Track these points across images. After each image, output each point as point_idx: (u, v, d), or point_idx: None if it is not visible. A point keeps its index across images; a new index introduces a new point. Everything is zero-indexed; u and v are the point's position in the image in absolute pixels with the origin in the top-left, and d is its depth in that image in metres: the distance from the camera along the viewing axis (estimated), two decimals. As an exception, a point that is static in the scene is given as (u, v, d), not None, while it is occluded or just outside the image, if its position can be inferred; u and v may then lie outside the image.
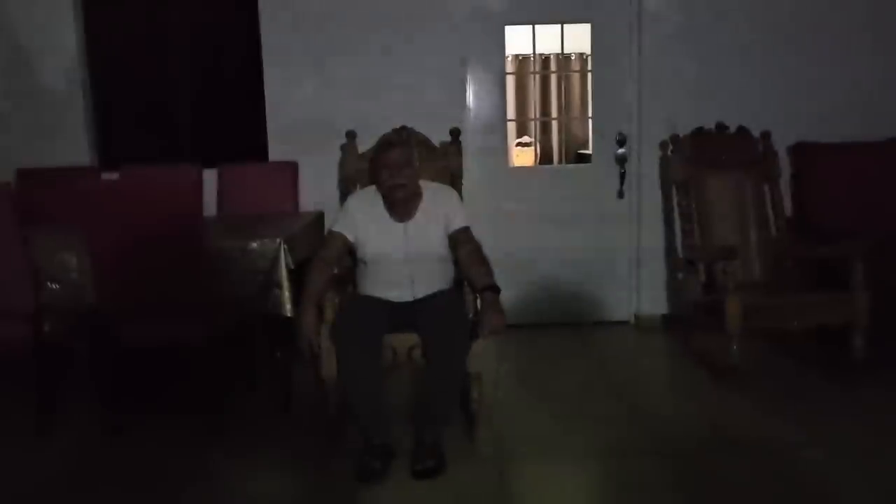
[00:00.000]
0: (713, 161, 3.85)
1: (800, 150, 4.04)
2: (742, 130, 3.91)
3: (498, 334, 2.56)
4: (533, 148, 6.04)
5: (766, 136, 3.92)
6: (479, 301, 2.65)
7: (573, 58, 5.71)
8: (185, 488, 2.50)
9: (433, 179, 3.15)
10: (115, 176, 3.76)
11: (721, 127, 3.92)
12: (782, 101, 4.00)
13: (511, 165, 4.61)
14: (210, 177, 3.72)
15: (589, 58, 4.31)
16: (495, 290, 2.59)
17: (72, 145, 4.10)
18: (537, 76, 5.21)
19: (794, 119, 3.98)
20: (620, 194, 4.16)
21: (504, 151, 4.29)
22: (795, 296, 3.47)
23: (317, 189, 3.94)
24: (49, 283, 2.85)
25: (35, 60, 4.08)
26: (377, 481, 2.45)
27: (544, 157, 5.99)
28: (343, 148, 3.73)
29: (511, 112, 5.15)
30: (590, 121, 4.33)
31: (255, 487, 2.51)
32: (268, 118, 4.07)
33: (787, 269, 3.72)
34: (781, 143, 3.97)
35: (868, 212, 3.73)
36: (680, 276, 3.86)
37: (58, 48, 4.08)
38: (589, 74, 4.30)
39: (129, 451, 2.77)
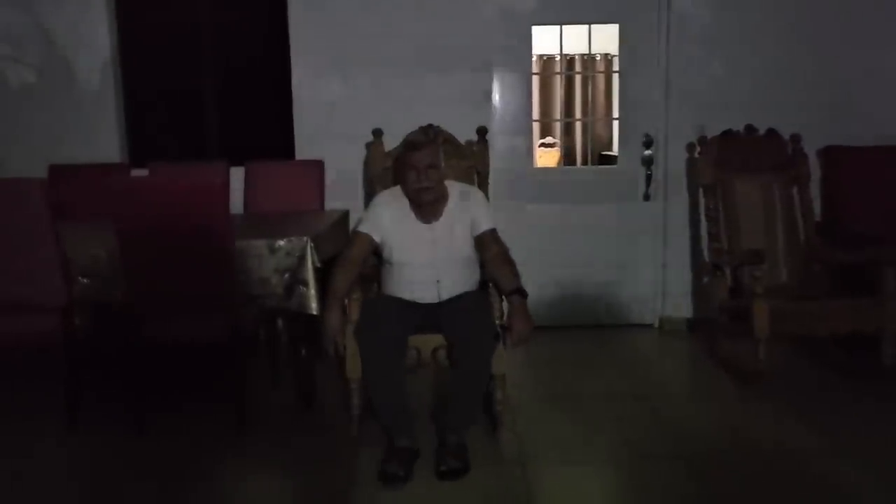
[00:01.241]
0: (742, 164, 3.80)
1: (830, 154, 3.98)
2: (771, 133, 3.86)
3: (525, 341, 2.56)
4: (557, 149, 6.02)
5: (795, 138, 3.86)
6: (505, 304, 2.64)
7: (598, 58, 5.68)
8: (208, 485, 2.53)
9: (459, 178, 3.16)
10: (144, 173, 3.81)
11: (750, 129, 3.88)
12: (812, 104, 3.94)
13: (535, 166, 4.59)
14: (237, 174, 3.75)
15: (615, 58, 4.28)
16: (522, 293, 2.58)
17: (103, 142, 4.16)
18: (563, 77, 5.19)
19: (825, 122, 3.93)
20: (646, 196, 4.13)
21: (528, 152, 4.28)
22: (824, 301, 3.42)
23: (343, 187, 3.96)
24: (80, 278, 2.89)
25: (68, 59, 4.14)
26: (399, 487, 2.45)
27: (568, 159, 5.97)
28: (369, 146, 3.74)
29: (535, 113, 5.14)
30: (615, 122, 4.30)
31: (277, 486, 2.53)
32: (294, 116, 4.10)
33: (816, 274, 3.67)
34: (811, 146, 3.92)
35: (899, 216, 3.68)
36: (706, 279, 3.83)
37: (90, 47, 4.14)
38: (615, 75, 4.27)
39: (154, 447, 2.80)
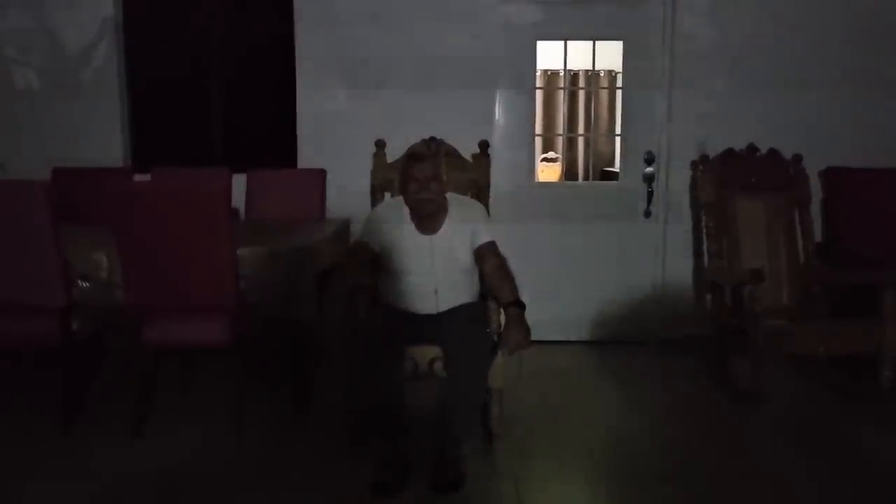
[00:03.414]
0: (743, 183, 3.82)
1: (831, 175, 3.99)
2: (773, 153, 3.88)
3: (520, 349, 2.55)
4: (559, 164, 6.03)
5: (797, 159, 3.88)
6: (503, 316, 2.64)
7: (602, 74, 5.69)
8: (204, 489, 2.52)
9: (461, 191, 3.16)
10: (146, 178, 3.81)
11: (752, 149, 3.89)
12: (814, 125, 3.96)
13: (536, 181, 4.60)
14: (239, 181, 3.75)
15: (618, 75, 4.30)
16: (520, 305, 2.58)
17: (107, 146, 4.18)
18: (566, 92, 5.21)
19: (826, 143, 3.94)
20: (647, 213, 4.14)
21: (530, 166, 4.29)
22: (823, 322, 3.42)
23: (345, 196, 3.96)
24: (80, 282, 2.89)
25: (74, 62, 4.17)
26: (392, 497, 2.44)
27: (569, 174, 5.97)
28: (372, 156, 3.75)
29: (538, 127, 5.14)
30: (617, 138, 4.32)
31: (272, 491, 2.52)
32: (298, 124, 4.12)
33: (815, 295, 3.68)
34: (812, 167, 3.93)
35: (899, 239, 3.68)
36: (707, 297, 3.82)
37: (96, 51, 4.16)
38: (618, 91, 4.29)
39: (150, 451, 2.79)
